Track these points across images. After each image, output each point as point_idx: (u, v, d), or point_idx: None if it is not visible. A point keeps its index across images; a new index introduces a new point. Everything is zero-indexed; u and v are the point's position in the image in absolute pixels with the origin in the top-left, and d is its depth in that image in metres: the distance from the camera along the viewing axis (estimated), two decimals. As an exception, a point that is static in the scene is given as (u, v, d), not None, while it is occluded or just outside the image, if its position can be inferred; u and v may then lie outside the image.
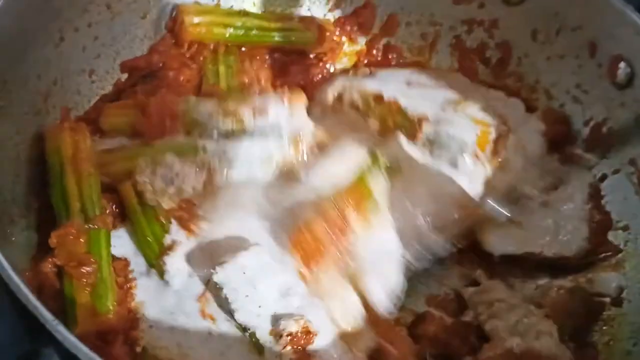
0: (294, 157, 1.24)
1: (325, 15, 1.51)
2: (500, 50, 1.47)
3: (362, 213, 1.16)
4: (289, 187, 1.21)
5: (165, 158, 1.17)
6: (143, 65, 1.36)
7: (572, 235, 1.27)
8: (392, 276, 1.19)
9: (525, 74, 1.45)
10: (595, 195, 1.32)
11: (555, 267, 1.28)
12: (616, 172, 1.32)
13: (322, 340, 1.08)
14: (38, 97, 1.19)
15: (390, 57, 1.52)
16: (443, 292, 1.27)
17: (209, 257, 1.12)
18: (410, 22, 1.51)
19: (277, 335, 1.05)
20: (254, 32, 1.41)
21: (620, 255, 1.28)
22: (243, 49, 1.41)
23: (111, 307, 1.04)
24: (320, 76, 1.46)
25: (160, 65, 1.36)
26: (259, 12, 1.47)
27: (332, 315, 1.12)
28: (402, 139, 1.27)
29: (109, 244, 1.10)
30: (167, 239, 1.13)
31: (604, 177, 1.33)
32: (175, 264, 1.11)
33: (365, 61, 1.52)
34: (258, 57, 1.41)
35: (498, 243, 1.27)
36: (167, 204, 1.16)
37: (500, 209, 1.27)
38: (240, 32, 1.40)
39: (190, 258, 1.12)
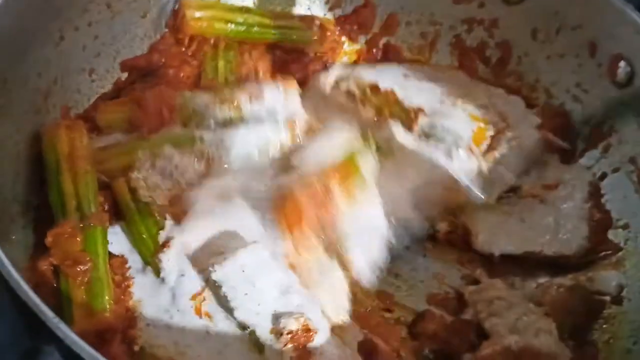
0: (289, 142, 1.25)
1: (325, 14, 1.51)
2: (500, 49, 1.47)
3: (347, 188, 1.18)
4: (282, 172, 1.22)
5: (163, 150, 1.18)
6: (143, 64, 1.36)
7: (572, 234, 1.27)
8: (375, 249, 1.21)
9: (525, 73, 1.45)
10: (595, 194, 1.32)
11: (556, 265, 1.28)
12: (616, 170, 1.32)
13: (321, 338, 1.08)
14: (38, 96, 1.19)
15: (390, 56, 1.52)
16: (443, 290, 1.28)
17: (206, 254, 1.12)
18: (410, 22, 1.51)
19: (277, 333, 1.05)
20: (255, 28, 1.41)
21: (620, 253, 1.28)
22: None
23: (108, 306, 1.04)
24: (319, 74, 1.46)
25: (161, 64, 1.36)
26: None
27: (323, 307, 1.12)
28: (395, 125, 1.28)
29: (105, 242, 1.10)
30: (162, 236, 1.13)
31: (603, 176, 1.33)
32: (171, 261, 1.10)
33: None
34: (257, 50, 1.41)
35: (495, 242, 1.27)
36: (161, 200, 1.16)
37: (478, 192, 1.28)
38: (242, 28, 1.40)
39: (187, 255, 1.12)
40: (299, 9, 1.50)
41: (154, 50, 1.37)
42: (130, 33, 1.35)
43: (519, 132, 1.34)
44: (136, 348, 1.02)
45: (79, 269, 1.03)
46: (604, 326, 1.22)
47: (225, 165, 1.21)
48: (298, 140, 1.26)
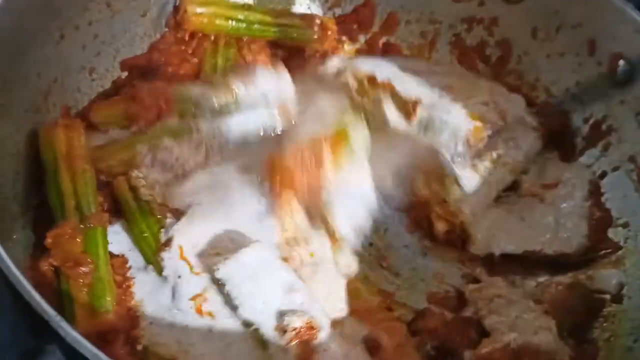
0: (282, 125, 1.26)
1: (325, 13, 1.51)
2: (500, 48, 1.47)
3: (337, 157, 1.20)
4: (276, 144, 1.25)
5: (162, 142, 1.18)
6: (143, 63, 1.36)
7: (572, 233, 1.27)
8: (360, 215, 1.23)
9: (525, 72, 1.45)
10: (595, 192, 1.32)
11: (556, 264, 1.28)
12: (616, 169, 1.32)
13: (325, 335, 1.08)
14: (38, 95, 1.19)
15: (390, 55, 1.52)
16: (444, 289, 1.27)
17: (209, 252, 1.13)
18: (410, 21, 1.51)
19: (281, 330, 1.05)
20: (255, 26, 1.41)
21: (620, 252, 1.28)
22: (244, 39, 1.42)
23: (110, 307, 1.03)
24: (318, 73, 1.46)
25: (160, 62, 1.36)
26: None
27: (320, 302, 1.12)
28: (388, 106, 1.29)
29: (105, 242, 1.09)
30: (164, 234, 1.13)
31: (603, 174, 1.33)
32: (173, 259, 1.10)
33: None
34: (257, 43, 1.41)
35: (494, 242, 1.27)
36: (161, 197, 1.16)
37: (464, 184, 1.28)
38: (242, 25, 1.40)
39: (190, 254, 1.12)
40: (299, 8, 1.50)
41: (154, 49, 1.37)
42: (130, 32, 1.36)
43: (518, 132, 1.34)
44: (139, 347, 1.02)
45: (80, 271, 1.03)
46: (604, 324, 1.22)
47: (223, 153, 1.23)
48: (291, 123, 1.27)
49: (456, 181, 1.29)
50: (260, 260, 1.10)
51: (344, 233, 1.20)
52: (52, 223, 1.09)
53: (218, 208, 1.17)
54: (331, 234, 1.21)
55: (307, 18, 1.46)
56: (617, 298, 1.23)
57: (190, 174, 1.20)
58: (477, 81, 1.42)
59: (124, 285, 1.07)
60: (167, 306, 1.07)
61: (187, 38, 1.37)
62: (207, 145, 1.21)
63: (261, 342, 1.06)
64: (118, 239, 1.13)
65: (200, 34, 1.38)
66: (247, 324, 1.07)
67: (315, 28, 1.44)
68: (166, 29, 1.39)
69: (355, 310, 1.16)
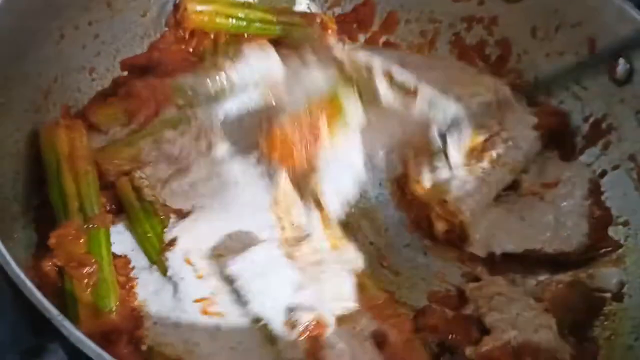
0: (274, 100, 1.27)
1: (325, 12, 1.51)
2: (499, 47, 1.47)
3: (332, 128, 1.21)
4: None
5: (164, 135, 1.19)
6: (143, 63, 1.36)
7: (572, 231, 1.28)
8: (346, 185, 1.25)
9: (525, 71, 1.45)
10: (595, 191, 1.32)
11: (556, 263, 1.28)
12: (616, 167, 1.32)
13: (333, 331, 1.08)
14: (38, 94, 1.19)
15: (389, 54, 1.53)
16: (444, 288, 1.28)
17: (216, 254, 1.13)
18: (409, 20, 1.51)
19: (291, 325, 1.05)
20: (256, 24, 1.41)
21: (620, 250, 1.28)
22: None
23: (114, 307, 1.03)
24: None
25: (160, 61, 1.36)
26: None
27: (327, 298, 1.12)
28: (380, 81, 1.29)
29: (109, 243, 1.09)
30: (168, 234, 1.13)
31: (603, 173, 1.34)
32: (178, 259, 1.10)
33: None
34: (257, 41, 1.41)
35: (495, 241, 1.27)
36: (164, 198, 1.16)
37: (439, 141, 1.29)
38: (243, 23, 1.40)
39: (195, 257, 1.12)
40: (299, 7, 1.50)
41: (154, 49, 1.38)
42: (131, 32, 1.35)
43: (516, 132, 1.34)
44: (143, 347, 1.01)
45: (84, 271, 1.03)
46: (605, 323, 1.22)
47: (222, 137, 1.24)
48: (283, 99, 1.28)
49: (444, 156, 1.29)
50: (268, 258, 1.11)
51: (331, 206, 1.22)
52: (54, 223, 1.08)
53: (221, 209, 1.17)
54: (320, 208, 1.22)
55: (308, 17, 1.47)
56: (618, 296, 1.23)
57: (192, 166, 1.20)
58: (479, 77, 1.42)
59: (127, 286, 1.07)
60: (171, 306, 1.07)
61: (187, 37, 1.37)
62: (206, 133, 1.22)
63: (270, 338, 1.06)
64: (121, 240, 1.12)
65: (200, 33, 1.38)
66: (256, 320, 1.07)
67: (316, 27, 1.44)
68: (166, 29, 1.39)
69: (364, 305, 1.16)
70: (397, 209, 1.35)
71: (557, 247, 1.27)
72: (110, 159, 1.17)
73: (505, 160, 1.32)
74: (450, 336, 1.16)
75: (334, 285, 1.14)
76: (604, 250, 1.28)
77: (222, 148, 1.23)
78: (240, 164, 1.23)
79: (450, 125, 1.29)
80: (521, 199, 1.33)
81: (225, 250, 1.13)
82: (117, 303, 1.04)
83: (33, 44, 1.15)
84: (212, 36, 1.39)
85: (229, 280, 1.09)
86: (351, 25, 1.50)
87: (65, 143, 1.14)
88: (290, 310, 1.07)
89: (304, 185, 1.22)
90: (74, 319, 0.99)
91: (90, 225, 1.08)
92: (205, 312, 1.08)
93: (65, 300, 1.02)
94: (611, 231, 1.30)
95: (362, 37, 1.52)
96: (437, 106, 1.29)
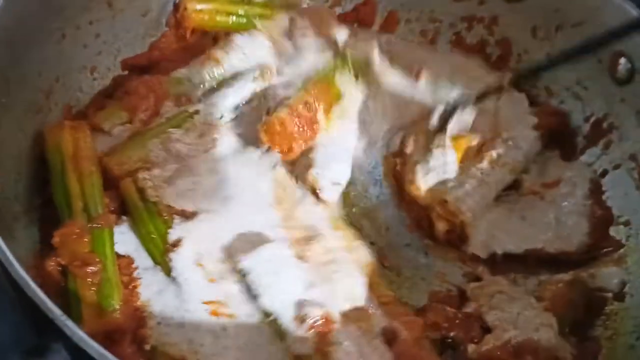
0: (267, 83, 1.31)
1: (325, 12, 1.51)
2: (500, 47, 1.47)
3: (328, 113, 1.26)
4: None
5: (170, 134, 1.21)
6: (144, 62, 1.37)
7: (573, 231, 1.28)
8: (340, 169, 1.28)
9: (525, 71, 1.45)
10: (596, 191, 1.32)
11: (557, 262, 1.28)
12: (617, 167, 1.32)
13: (341, 328, 1.08)
14: (40, 94, 1.19)
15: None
16: (445, 288, 1.27)
17: (227, 252, 1.14)
18: (410, 19, 1.52)
19: (300, 320, 1.06)
20: (256, 20, 1.41)
21: (621, 250, 1.28)
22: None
23: (117, 307, 1.03)
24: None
25: (161, 61, 1.36)
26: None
27: (338, 296, 1.13)
28: (381, 60, 1.32)
29: (112, 243, 1.09)
30: (172, 235, 1.13)
31: (604, 173, 1.34)
32: (182, 260, 1.10)
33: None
34: None
35: (495, 241, 1.27)
36: (167, 198, 1.16)
37: (436, 120, 1.29)
38: (243, 20, 1.40)
39: (208, 257, 1.12)
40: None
41: (155, 48, 1.38)
42: (132, 31, 1.36)
43: (516, 132, 1.34)
44: (147, 347, 1.01)
45: (88, 270, 1.03)
46: (607, 322, 1.22)
47: (223, 132, 1.26)
48: (277, 83, 1.32)
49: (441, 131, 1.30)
50: (279, 257, 1.12)
51: (322, 187, 1.24)
52: (57, 222, 1.08)
53: (226, 208, 1.18)
54: (313, 189, 1.25)
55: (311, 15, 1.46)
56: (619, 296, 1.23)
57: (196, 165, 1.21)
58: (484, 75, 1.42)
59: (130, 286, 1.07)
60: (176, 306, 1.07)
61: (188, 36, 1.37)
62: (209, 129, 1.24)
63: (279, 333, 1.07)
64: (124, 240, 1.12)
65: (201, 32, 1.38)
66: (266, 314, 1.08)
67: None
68: (166, 28, 1.39)
69: (375, 303, 1.16)
70: (398, 208, 1.35)
71: (558, 246, 1.27)
72: (120, 163, 1.18)
73: (506, 161, 1.31)
74: (451, 333, 1.16)
75: (346, 284, 1.14)
76: (605, 250, 1.28)
77: (225, 144, 1.24)
78: (243, 161, 1.23)
79: (453, 106, 1.28)
80: (522, 198, 1.33)
81: (235, 251, 1.13)
82: (121, 303, 1.03)
83: (34, 44, 1.15)
84: (212, 36, 1.39)
85: (241, 275, 1.10)
86: (352, 24, 1.50)
87: (69, 143, 1.15)
88: (300, 305, 1.07)
89: (303, 176, 1.24)
90: (78, 319, 1.00)
91: (94, 225, 1.08)
92: (215, 313, 1.08)
93: (68, 300, 1.02)
94: (612, 231, 1.30)
95: (362, 37, 1.52)
96: (441, 87, 1.30)
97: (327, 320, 1.07)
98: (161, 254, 1.11)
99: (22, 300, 0.86)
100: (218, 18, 1.39)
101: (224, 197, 1.19)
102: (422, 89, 1.32)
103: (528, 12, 1.41)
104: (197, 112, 1.25)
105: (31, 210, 1.14)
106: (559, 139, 1.39)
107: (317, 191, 1.25)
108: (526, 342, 1.13)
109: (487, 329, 1.16)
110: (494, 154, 1.31)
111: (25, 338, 0.97)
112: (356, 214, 1.32)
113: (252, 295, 1.09)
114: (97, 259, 1.04)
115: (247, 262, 1.10)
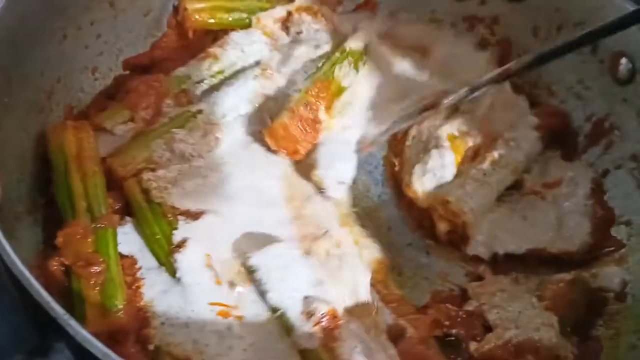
0: (266, 79, 1.32)
1: (325, 11, 1.51)
2: (501, 46, 1.47)
3: (330, 110, 1.27)
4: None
5: (174, 135, 1.21)
6: (146, 62, 1.37)
7: (574, 231, 1.28)
8: (345, 167, 1.30)
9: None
10: (597, 191, 1.32)
11: (559, 262, 1.28)
12: (618, 167, 1.32)
13: (347, 324, 1.09)
14: (42, 94, 1.19)
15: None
16: (447, 288, 1.28)
17: (234, 250, 1.15)
18: (411, 19, 1.51)
19: (308, 315, 1.06)
20: (256, 15, 1.41)
21: (623, 250, 1.28)
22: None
23: (121, 307, 1.03)
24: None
25: (162, 60, 1.37)
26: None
27: (344, 292, 1.13)
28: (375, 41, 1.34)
29: (116, 243, 1.09)
30: (177, 236, 1.13)
31: (606, 173, 1.34)
32: (187, 261, 1.10)
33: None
34: None
35: (497, 241, 1.27)
36: (172, 199, 1.16)
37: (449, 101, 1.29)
38: (243, 15, 1.41)
39: (216, 258, 1.12)
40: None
41: (156, 48, 1.39)
42: (133, 31, 1.36)
43: (517, 133, 1.34)
44: (151, 347, 1.01)
45: (92, 271, 1.03)
46: (608, 322, 1.22)
47: (226, 132, 1.27)
48: (276, 79, 1.33)
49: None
50: (288, 257, 1.13)
51: (327, 185, 1.26)
52: (61, 222, 1.09)
53: (231, 208, 1.19)
54: (318, 187, 1.27)
55: (309, 9, 1.46)
56: (621, 296, 1.23)
57: (201, 164, 1.22)
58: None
59: (133, 286, 1.07)
60: (180, 307, 1.07)
61: (190, 35, 1.37)
62: (212, 128, 1.25)
63: (286, 328, 1.07)
64: (127, 240, 1.12)
65: (202, 30, 1.39)
66: (273, 310, 1.09)
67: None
68: (167, 28, 1.40)
69: (382, 300, 1.17)
70: (400, 208, 1.35)
71: (560, 246, 1.27)
72: (124, 164, 1.18)
73: (507, 161, 1.32)
74: (453, 331, 1.17)
75: (352, 281, 1.15)
76: (606, 249, 1.29)
77: (228, 143, 1.25)
78: (247, 160, 1.24)
79: (467, 91, 1.28)
80: (523, 198, 1.33)
81: (243, 249, 1.14)
82: (124, 303, 1.03)
83: (36, 44, 1.16)
84: (213, 35, 1.39)
85: (250, 271, 1.11)
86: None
87: (73, 144, 1.15)
88: (308, 301, 1.08)
89: (308, 176, 1.26)
90: (81, 318, 1.00)
91: (98, 225, 1.08)
92: (223, 315, 1.08)
93: (72, 300, 1.02)
94: (614, 231, 1.30)
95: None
96: (453, 69, 1.30)
97: (333, 316, 1.07)
98: (166, 255, 1.11)
99: (24, 300, 0.86)
100: (218, 15, 1.39)
101: (228, 197, 1.19)
102: (430, 70, 1.32)
103: (529, 12, 1.41)
104: (200, 111, 1.25)
105: (34, 211, 1.14)
106: (560, 139, 1.39)
107: (322, 191, 1.26)
108: (527, 341, 1.13)
109: (488, 328, 1.16)
110: (495, 154, 1.31)
111: (27, 338, 0.97)
112: (358, 213, 1.31)
113: (260, 291, 1.09)
114: (101, 259, 1.04)
115: (256, 258, 1.11)
